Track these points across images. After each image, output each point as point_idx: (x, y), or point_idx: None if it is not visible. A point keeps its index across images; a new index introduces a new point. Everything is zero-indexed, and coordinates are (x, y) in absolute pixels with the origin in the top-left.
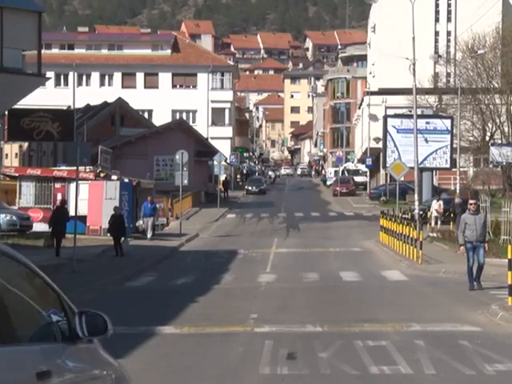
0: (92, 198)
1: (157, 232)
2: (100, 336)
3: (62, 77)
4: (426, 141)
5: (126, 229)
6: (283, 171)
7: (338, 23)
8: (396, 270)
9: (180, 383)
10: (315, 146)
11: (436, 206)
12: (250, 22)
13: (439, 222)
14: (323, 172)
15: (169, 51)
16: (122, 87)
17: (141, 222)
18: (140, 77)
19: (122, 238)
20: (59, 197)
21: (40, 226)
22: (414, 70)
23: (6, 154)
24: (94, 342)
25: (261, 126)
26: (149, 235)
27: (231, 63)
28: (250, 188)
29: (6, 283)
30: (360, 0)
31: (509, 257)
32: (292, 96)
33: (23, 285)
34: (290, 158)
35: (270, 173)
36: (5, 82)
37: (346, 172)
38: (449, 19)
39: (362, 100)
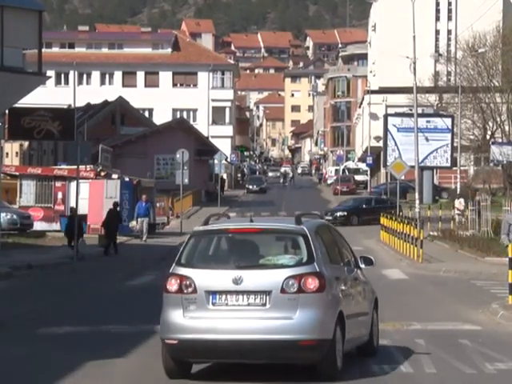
0: (92, 197)
1: (157, 231)
2: (370, 266)
3: (62, 76)
4: (427, 139)
5: (83, 229)
6: (282, 170)
7: (338, 22)
8: (396, 268)
9: (180, 382)
10: (316, 144)
11: (457, 203)
12: (250, 20)
13: (463, 219)
14: (323, 171)
15: (169, 50)
16: (123, 86)
17: (134, 222)
18: (140, 76)
19: (80, 239)
20: (60, 196)
21: (40, 225)
22: (414, 68)
23: (7, 153)
24: (363, 270)
25: (261, 125)
26: (144, 237)
27: (232, 62)
28: (250, 187)
29: (337, 239)
30: None
31: (509, 255)
32: (292, 95)
33: (340, 240)
34: (290, 156)
35: (283, 170)
36: (5, 81)
37: (346, 171)
38: (449, 18)
39: (363, 99)
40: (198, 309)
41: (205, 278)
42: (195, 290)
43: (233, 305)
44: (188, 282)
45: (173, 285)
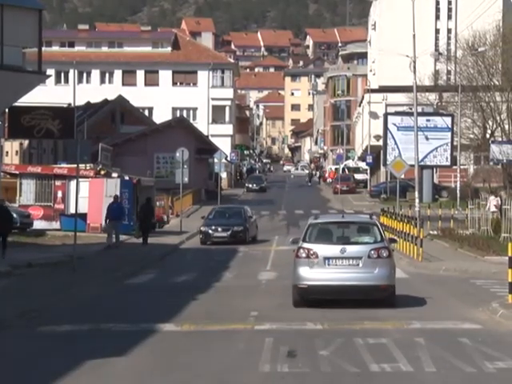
0: (92, 196)
1: (157, 230)
2: (395, 243)
3: (62, 74)
4: (427, 138)
5: (12, 224)
6: (285, 168)
7: (338, 21)
8: (396, 267)
9: (180, 380)
10: (315, 143)
11: (494, 201)
12: (250, 19)
13: (496, 215)
14: (324, 171)
15: (169, 49)
16: (123, 85)
17: (103, 224)
18: (140, 74)
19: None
20: (59, 194)
21: (40, 224)
22: (414, 67)
23: (7, 152)
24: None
25: (261, 124)
26: (113, 240)
27: (231, 61)
28: (250, 186)
29: (379, 227)
30: None
31: (509, 254)
32: (292, 94)
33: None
34: (290, 155)
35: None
36: (5, 80)
37: (346, 170)
38: (449, 17)
39: (363, 98)
40: (319, 267)
41: (323, 249)
42: (317, 257)
43: (340, 265)
44: (312, 252)
45: (302, 253)
